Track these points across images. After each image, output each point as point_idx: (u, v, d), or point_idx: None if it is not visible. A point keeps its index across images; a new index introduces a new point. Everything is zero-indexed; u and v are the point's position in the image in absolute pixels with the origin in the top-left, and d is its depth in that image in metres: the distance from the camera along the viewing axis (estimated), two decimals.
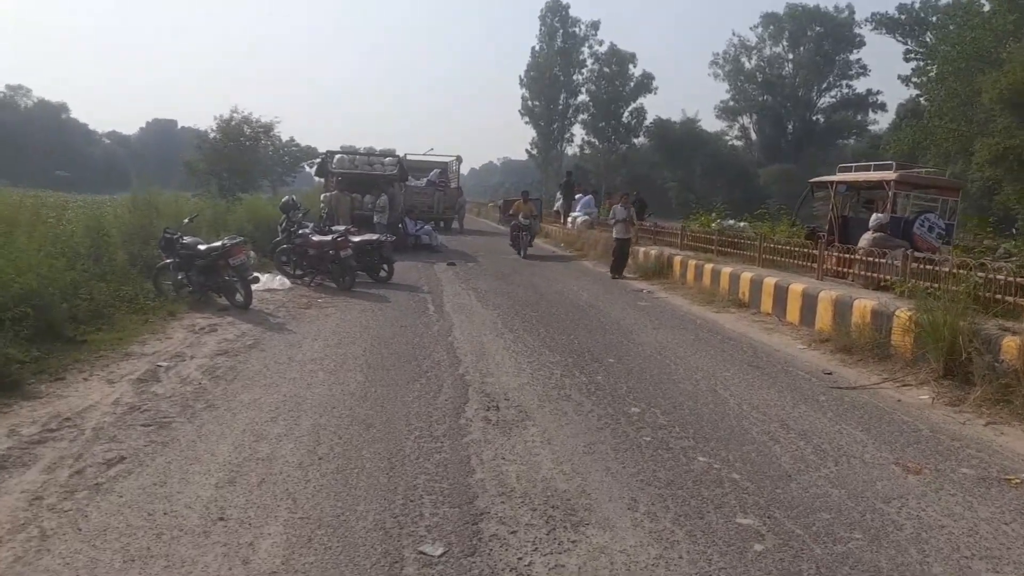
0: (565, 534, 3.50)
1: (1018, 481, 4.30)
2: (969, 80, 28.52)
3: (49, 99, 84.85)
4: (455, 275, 14.06)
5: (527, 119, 68.32)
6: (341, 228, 12.88)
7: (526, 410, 5.47)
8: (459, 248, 20.13)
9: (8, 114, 77.39)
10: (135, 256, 10.42)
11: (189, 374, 6.17)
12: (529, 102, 67.61)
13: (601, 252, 17.62)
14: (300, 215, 13.18)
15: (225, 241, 9.60)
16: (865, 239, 9.22)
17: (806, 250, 10.52)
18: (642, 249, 15.23)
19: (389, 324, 8.85)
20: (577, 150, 68.93)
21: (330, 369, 6.52)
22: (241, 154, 26.88)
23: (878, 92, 62.24)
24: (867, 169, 11.49)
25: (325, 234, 12.28)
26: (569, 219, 22.91)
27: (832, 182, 11.65)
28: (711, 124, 79.00)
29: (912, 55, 44.66)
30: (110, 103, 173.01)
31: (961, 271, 6.97)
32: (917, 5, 48.78)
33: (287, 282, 11.75)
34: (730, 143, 66.80)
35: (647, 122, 64.89)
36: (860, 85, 63.06)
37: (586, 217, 21.42)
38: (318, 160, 25.91)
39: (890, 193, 10.23)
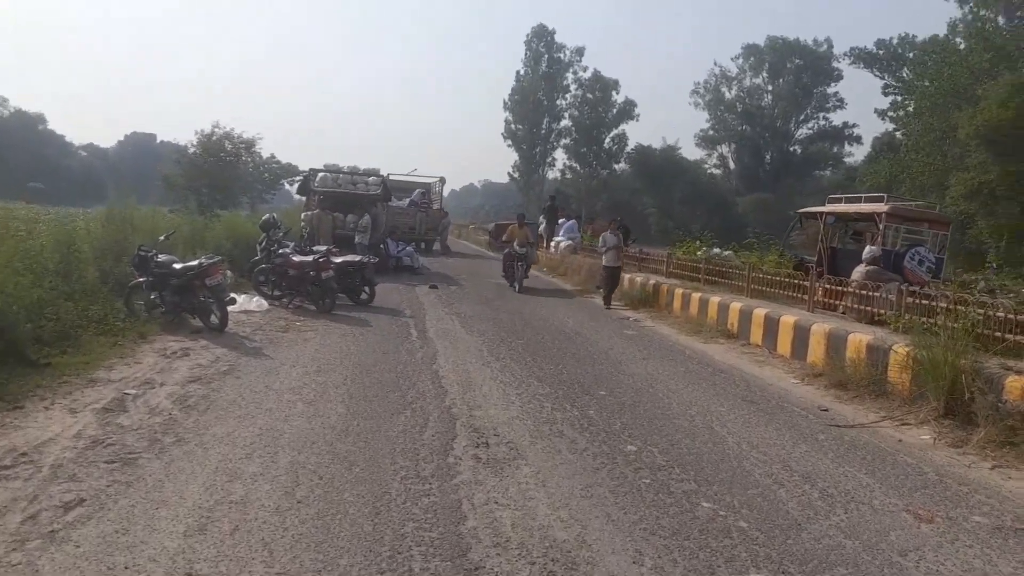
0: None
1: None
2: (945, 116, 29.09)
3: (26, 109, 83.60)
4: (438, 299, 13.78)
5: (510, 142, 68.67)
6: (322, 248, 12.56)
7: (518, 447, 5.20)
8: (441, 271, 19.85)
9: None
10: (107, 273, 9.99)
11: (158, 403, 5.82)
12: (512, 125, 67.97)
13: (584, 277, 17.46)
14: (280, 234, 12.84)
15: (202, 260, 9.26)
16: (858, 272, 9.12)
17: (796, 281, 10.40)
18: (627, 276, 15.07)
19: (371, 350, 8.54)
20: (559, 174, 69.33)
21: (309, 399, 6.19)
22: (221, 170, 26.55)
23: (854, 125, 63.70)
24: (857, 200, 11.47)
25: (306, 254, 11.95)
26: (552, 244, 22.77)
27: (821, 213, 11.61)
28: (691, 152, 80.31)
29: (890, 89, 45.59)
30: (88, 115, 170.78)
31: (959, 307, 6.84)
32: (895, 41, 49.95)
33: (264, 303, 11.39)
34: (709, 171, 67.63)
35: (628, 148, 65.59)
36: (837, 118, 64.53)
37: (570, 242, 21.28)
38: (299, 178, 25.60)
39: (881, 226, 10.18)
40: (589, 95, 66.65)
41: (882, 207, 10.39)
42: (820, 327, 8.34)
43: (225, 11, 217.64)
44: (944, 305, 7.09)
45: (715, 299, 11.18)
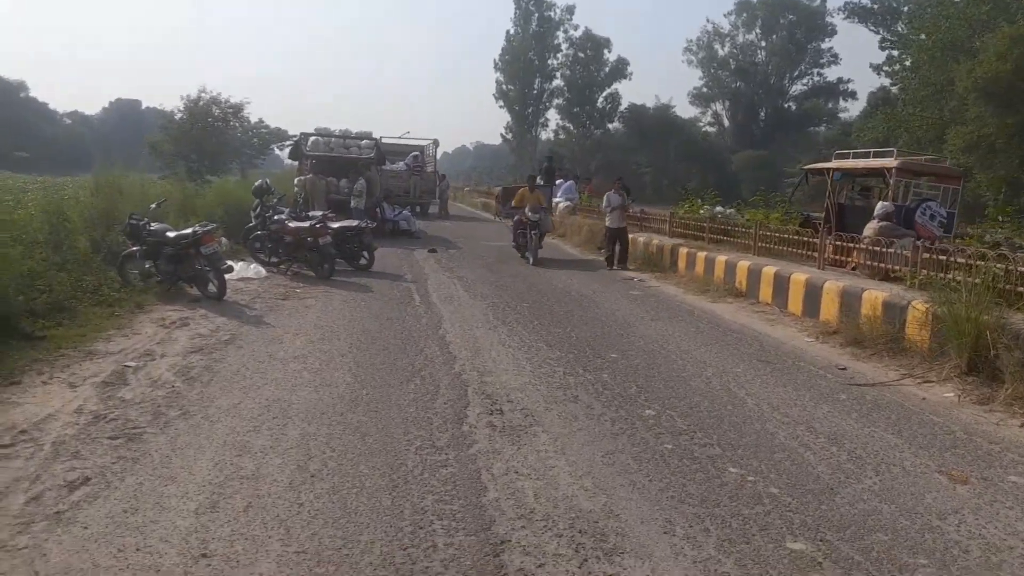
0: (599, 566, 3.09)
1: None
2: (943, 69, 28.65)
3: (7, 76, 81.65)
4: (437, 263, 13.55)
5: (502, 103, 67.75)
6: (318, 214, 12.27)
7: (533, 413, 5.05)
8: (438, 234, 19.58)
9: None
10: (98, 243, 9.69)
11: (160, 375, 5.62)
12: (504, 86, 66.97)
13: (585, 238, 17.22)
14: (275, 200, 12.54)
15: (196, 228, 8.97)
16: (871, 227, 8.91)
17: (806, 239, 10.19)
18: (629, 236, 14.82)
19: (374, 316, 8.34)
20: (552, 135, 68.50)
21: (315, 368, 6.01)
22: (209, 136, 26.01)
23: (849, 80, 63.09)
24: (866, 156, 11.20)
25: (302, 220, 11.68)
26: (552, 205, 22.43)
27: (828, 169, 11.35)
28: (685, 110, 79.24)
29: (886, 44, 44.83)
30: (71, 82, 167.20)
31: (979, 263, 6.66)
32: None
33: (263, 271, 11.15)
34: (703, 129, 66.92)
35: (622, 108, 64.77)
36: (831, 73, 63.91)
37: (568, 203, 20.98)
38: (289, 143, 25.06)
39: (891, 181, 9.95)
40: (581, 54, 65.58)
41: (892, 162, 10.14)
42: (833, 284, 8.17)
43: None
44: (963, 260, 6.90)
45: (721, 258, 10.99)
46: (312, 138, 19.58)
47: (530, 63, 65.48)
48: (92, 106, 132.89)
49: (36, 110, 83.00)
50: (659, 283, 11.87)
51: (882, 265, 8.47)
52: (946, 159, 16.12)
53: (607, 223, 13.74)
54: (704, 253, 11.69)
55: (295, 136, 23.37)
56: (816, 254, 9.87)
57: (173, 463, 3.98)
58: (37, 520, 3.28)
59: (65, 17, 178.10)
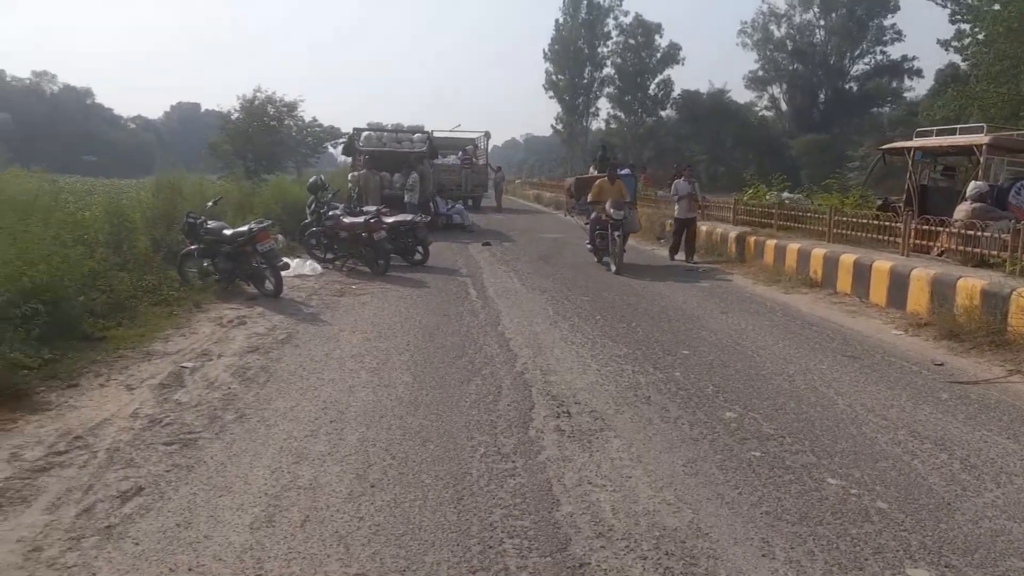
0: None
1: None
2: (1020, 41, 26.90)
3: (74, 84, 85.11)
4: (492, 256, 13.29)
5: (551, 94, 66.91)
6: (372, 209, 12.13)
7: (602, 416, 4.71)
8: (491, 228, 19.33)
9: (35, 100, 77.59)
10: (158, 242, 9.76)
11: (217, 376, 5.49)
12: (553, 76, 66.13)
13: (644, 228, 16.68)
14: (329, 195, 12.45)
15: (252, 225, 8.91)
16: (962, 210, 8.23)
17: (889, 223, 9.51)
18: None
19: (431, 312, 8.11)
20: (603, 124, 67.44)
21: (372, 368, 5.79)
22: (265, 134, 26.33)
23: (914, 58, 59.89)
24: (952, 132, 10.42)
25: (356, 215, 11.54)
26: None
27: (908, 148, 10.60)
28: (740, 95, 77.09)
29: (957, 18, 42.52)
30: (134, 88, 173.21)
31: None
32: None
33: (319, 267, 11.07)
34: (760, 114, 64.76)
35: (674, 94, 63.18)
36: (895, 51, 60.83)
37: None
38: (342, 140, 25.16)
39: (982, 158, 9.20)
40: (631, 41, 64.21)
41: (983, 138, 9.37)
42: (922, 272, 7.55)
43: None
44: None
45: (793, 246, 10.39)
46: (365, 133, 19.53)
47: (580, 52, 64.54)
48: (154, 110, 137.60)
49: (102, 116, 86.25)
50: (726, 273, 11.33)
51: (976, 250, 7.80)
52: None
53: (675, 213, 13.02)
54: (774, 241, 11.09)
55: (348, 133, 23.43)
56: (898, 240, 9.20)
57: (228, 471, 3.79)
58: (88, 535, 3.12)
59: (119, 16, 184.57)
